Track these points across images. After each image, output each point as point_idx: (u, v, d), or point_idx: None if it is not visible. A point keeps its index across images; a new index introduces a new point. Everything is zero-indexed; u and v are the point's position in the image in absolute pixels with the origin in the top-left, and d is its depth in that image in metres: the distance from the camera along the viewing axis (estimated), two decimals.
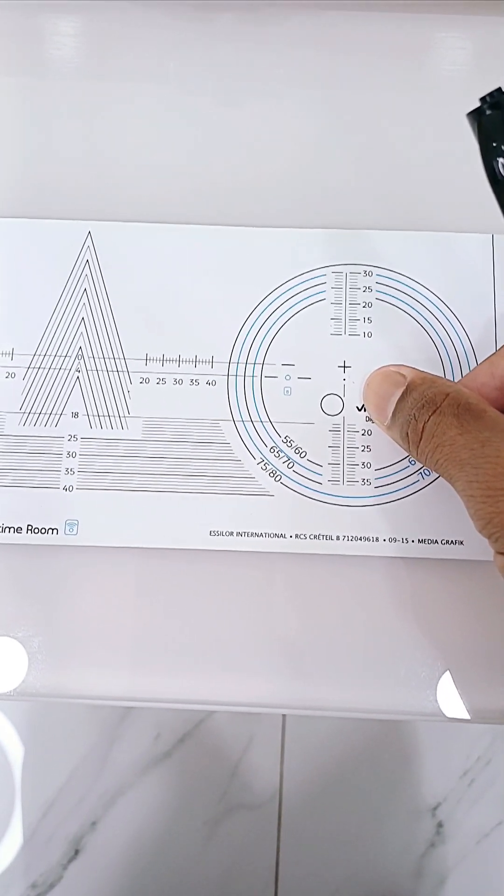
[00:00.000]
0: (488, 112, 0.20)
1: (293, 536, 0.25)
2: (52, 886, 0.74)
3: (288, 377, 0.26)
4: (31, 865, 0.75)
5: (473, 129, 0.21)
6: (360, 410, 0.26)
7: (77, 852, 0.75)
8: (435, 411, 0.22)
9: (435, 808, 0.76)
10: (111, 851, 0.75)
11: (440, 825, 0.76)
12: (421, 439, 0.22)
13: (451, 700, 0.24)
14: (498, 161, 0.20)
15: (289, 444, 0.25)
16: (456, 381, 0.25)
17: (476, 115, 0.21)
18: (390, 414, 0.24)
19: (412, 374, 0.24)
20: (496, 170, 0.20)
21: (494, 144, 0.20)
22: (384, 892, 0.75)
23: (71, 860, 0.75)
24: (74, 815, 0.75)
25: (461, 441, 0.21)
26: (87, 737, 0.76)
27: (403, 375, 0.24)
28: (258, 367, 0.26)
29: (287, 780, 0.76)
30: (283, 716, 0.77)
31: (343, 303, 0.27)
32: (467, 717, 0.24)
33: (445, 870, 0.75)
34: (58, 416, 0.26)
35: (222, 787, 0.76)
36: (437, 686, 0.24)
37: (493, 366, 0.24)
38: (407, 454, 0.25)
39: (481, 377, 0.24)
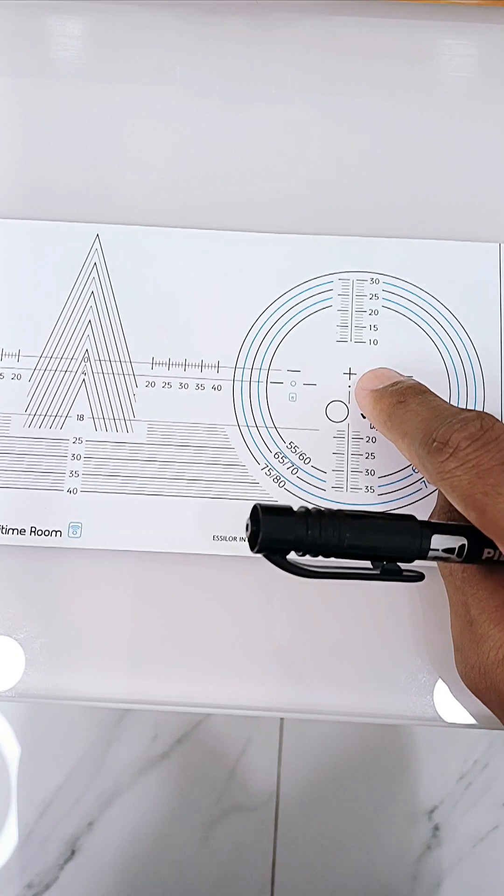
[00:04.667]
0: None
1: None
2: (48, 887, 0.74)
3: (293, 383, 0.26)
4: (27, 866, 0.74)
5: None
6: (364, 418, 0.26)
7: (73, 853, 0.75)
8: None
9: (431, 812, 0.76)
10: (107, 852, 0.75)
11: (436, 828, 0.76)
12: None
13: (448, 705, 0.24)
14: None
15: (293, 450, 0.26)
16: (460, 387, 0.26)
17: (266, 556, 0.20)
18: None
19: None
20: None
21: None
22: (380, 895, 0.75)
23: (67, 861, 0.75)
24: (71, 815, 0.75)
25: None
26: (85, 737, 0.76)
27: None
28: (264, 373, 0.26)
29: (284, 783, 0.76)
30: (281, 718, 0.77)
31: (349, 310, 0.27)
32: (464, 722, 0.24)
33: (441, 873, 0.75)
34: (63, 419, 0.26)
35: (219, 788, 0.76)
36: (434, 691, 0.25)
37: None
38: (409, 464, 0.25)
39: None
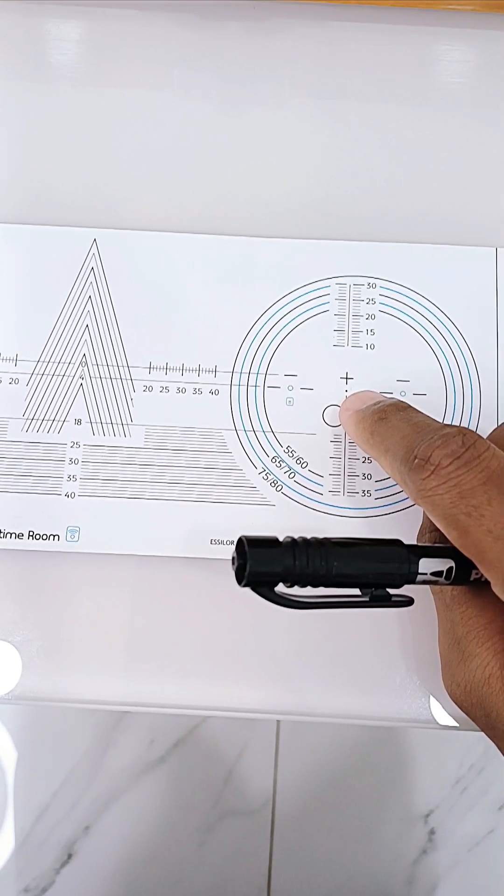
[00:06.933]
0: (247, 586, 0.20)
1: None
2: (44, 891, 0.74)
3: (290, 388, 0.26)
4: (23, 869, 0.74)
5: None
6: None
7: (70, 857, 0.75)
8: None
9: (427, 816, 0.76)
10: (104, 856, 0.75)
11: (432, 832, 0.76)
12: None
13: (443, 708, 0.25)
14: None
15: (290, 455, 0.26)
16: (456, 391, 0.26)
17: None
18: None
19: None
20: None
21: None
22: None
23: (64, 865, 0.75)
24: (68, 819, 0.75)
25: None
26: (82, 741, 0.76)
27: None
28: (261, 378, 0.26)
29: (280, 787, 0.76)
30: (278, 722, 0.77)
31: (346, 314, 0.27)
32: (460, 725, 0.24)
33: (437, 877, 0.75)
34: (61, 423, 0.26)
35: (216, 792, 0.76)
36: (430, 694, 0.25)
37: None
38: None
39: None
